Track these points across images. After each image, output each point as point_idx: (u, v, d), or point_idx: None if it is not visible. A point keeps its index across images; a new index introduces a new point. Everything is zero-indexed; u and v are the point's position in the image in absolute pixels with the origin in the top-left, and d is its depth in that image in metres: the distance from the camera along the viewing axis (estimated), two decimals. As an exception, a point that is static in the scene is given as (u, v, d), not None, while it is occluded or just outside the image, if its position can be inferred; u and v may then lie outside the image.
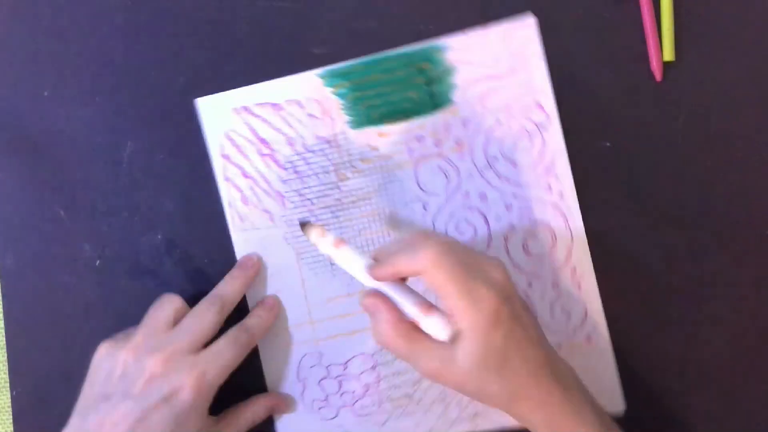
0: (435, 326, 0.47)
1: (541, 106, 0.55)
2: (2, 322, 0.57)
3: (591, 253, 0.56)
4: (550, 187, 0.55)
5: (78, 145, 0.57)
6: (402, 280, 0.49)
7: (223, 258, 0.56)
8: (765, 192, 0.56)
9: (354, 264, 0.49)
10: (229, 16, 0.56)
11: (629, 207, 0.56)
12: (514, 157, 0.56)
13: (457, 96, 0.56)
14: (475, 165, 0.56)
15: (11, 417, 0.57)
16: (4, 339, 0.57)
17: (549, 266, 0.56)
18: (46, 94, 0.57)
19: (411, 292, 0.49)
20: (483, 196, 0.56)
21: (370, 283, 0.49)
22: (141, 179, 0.57)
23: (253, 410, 0.54)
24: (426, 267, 0.46)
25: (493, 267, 0.47)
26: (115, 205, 0.57)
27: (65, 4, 0.57)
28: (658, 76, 0.55)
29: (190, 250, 0.57)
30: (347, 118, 0.56)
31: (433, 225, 0.56)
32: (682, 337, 0.56)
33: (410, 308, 0.48)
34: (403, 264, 0.47)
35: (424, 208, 0.56)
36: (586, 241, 0.55)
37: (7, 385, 0.57)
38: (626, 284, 0.56)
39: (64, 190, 0.57)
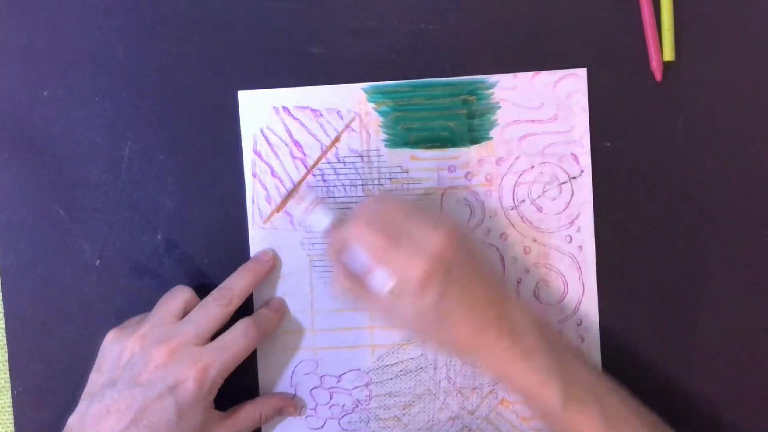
0: (377, 281, 0.50)
1: (576, 159, 0.56)
2: (2, 322, 0.57)
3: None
4: (570, 239, 0.56)
5: (78, 145, 0.57)
6: None
7: (223, 258, 0.56)
8: (765, 192, 0.56)
9: (323, 221, 0.54)
10: (228, 15, 0.56)
11: (629, 207, 0.56)
12: (540, 202, 0.56)
13: (495, 133, 0.56)
14: (501, 203, 0.56)
15: (12, 417, 0.57)
16: (5, 339, 0.57)
17: (556, 316, 0.56)
18: (46, 94, 0.57)
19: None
20: (503, 236, 0.56)
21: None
22: (141, 179, 0.57)
23: (261, 409, 0.55)
24: (351, 237, 0.50)
25: (429, 233, 0.49)
26: (115, 205, 0.57)
27: (65, 3, 0.56)
28: (658, 76, 0.55)
29: (190, 250, 0.57)
30: (384, 136, 0.56)
31: None
32: (681, 337, 0.56)
33: (358, 265, 0.51)
34: (340, 235, 0.51)
35: None
36: (597, 297, 0.56)
37: (8, 384, 0.57)
38: (626, 284, 0.56)
39: (64, 190, 0.57)
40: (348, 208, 0.56)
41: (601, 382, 0.51)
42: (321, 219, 0.53)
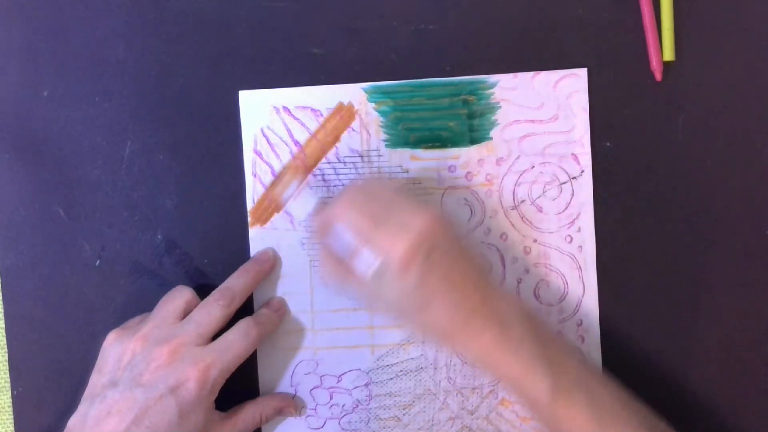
0: (361, 262, 0.49)
1: (576, 159, 0.56)
2: (2, 322, 0.57)
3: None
4: (571, 239, 0.56)
5: (78, 145, 0.57)
6: None
7: (223, 258, 0.56)
8: (765, 192, 0.56)
9: (305, 208, 0.55)
10: (228, 16, 0.56)
11: (629, 207, 0.56)
12: (541, 202, 0.56)
13: (495, 133, 0.56)
14: (501, 204, 0.56)
15: (12, 417, 0.57)
16: (5, 339, 0.57)
17: (556, 315, 0.56)
18: (46, 94, 0.57)
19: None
20: (504, 236, 0.56)
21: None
22: (141, 179, 0.57)
23: (261, 410, 0.55)
24: (335, 218, 0.50)
25: (412, 215, 0.49)
26: (115, 205, 0.57)
27: (65, 3, 0.56)
28: (658, 76, 0.55)
29: (190, 250, 0.57)
30: (384, 136, 0.56)
31: None
32: (681, 337, 0.56)
33: (343, 247, 0.50)
34: (324, 214, 0.51)
35: None
36: (597, 297, 0.56)
37: (8, 384, 0.57)
38: (626, 284, 0.56)
39: (64, 190, 0.57)
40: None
41: (590, 373, 0.50)
42: (306, 203, 0.54)
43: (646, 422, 0.50)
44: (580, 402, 0.48)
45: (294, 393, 0.57)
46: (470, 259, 0.50)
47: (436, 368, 0.57)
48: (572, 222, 0.56)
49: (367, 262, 0.49)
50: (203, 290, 0.54)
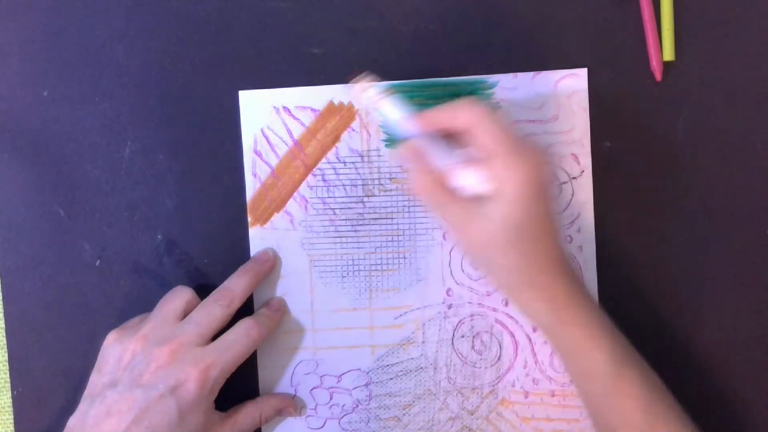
0: (474, 178, 0.48)
1: (577, 159, 0.56)
2: (2, 322, 0.57)
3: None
4: (571, 239, 0.56)
5: (78, 145, 0.57)
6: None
7: (223, 258, 0.56)
8: (765, 192, 0.56)
9: (395, 113, 0.51)
10: (228, 16, 0.56)
11: (629, 207, 0.56)
12: None
13: None
14: None
15: (12, 417, 0.57)
16: (5, 339, 0.57)
17: None
18: (46, 94, 0.57)
19: (450, 145, 0.49)
20: None
21: (410, 132, 0.50)
22: (141, 179, 0.57)
23: (261, 410, 0.55)
24: (473, 122, 0.48)
25: (534, 150, 0.47)
26: (115, 205, 0.57)
27: (65, 3, 0.56)
28: (658, 76, 0.55)
29: (190, 250, 0.57)
30: (384, 136, 0.56)
31: (450, 255, 0.56)
32: (681, 338, 0.56)
33: (451, 158, 0.48)
34: (446, 116, 0.49)
35: (444, 237, 0.56)
36: (597, 297, 0.56)
37: (8, 384, 0.57)
38: (626, 284, 0.56)
39: (64, 190, 0.57)
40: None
41: (634, 350, 0.51)
42: (392, 110, 0.51)
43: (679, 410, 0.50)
44: (633, 375, 0.49)
45: (294, 393, 0.57)
46: (557, 214, 0.50)
47: (436, 368, 0.57)
48: (572, 222, 0.56)
49: (480, 183, 0.47)
50: (203, 290, 0.54)
